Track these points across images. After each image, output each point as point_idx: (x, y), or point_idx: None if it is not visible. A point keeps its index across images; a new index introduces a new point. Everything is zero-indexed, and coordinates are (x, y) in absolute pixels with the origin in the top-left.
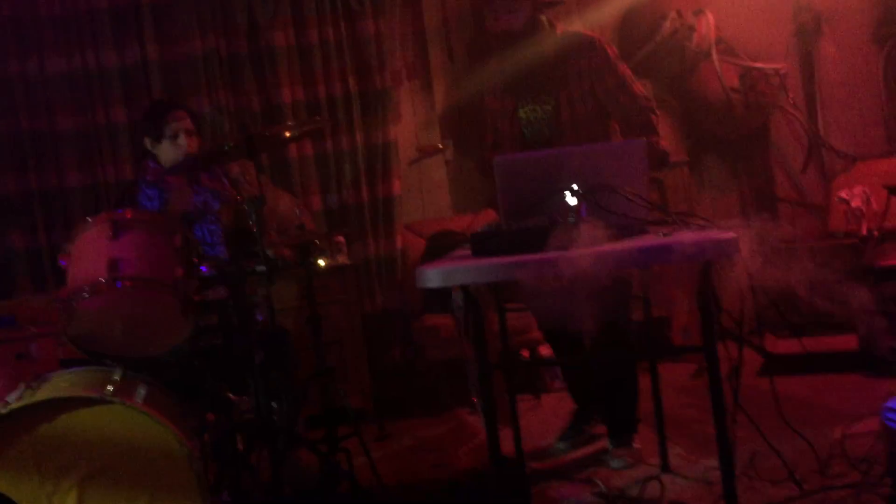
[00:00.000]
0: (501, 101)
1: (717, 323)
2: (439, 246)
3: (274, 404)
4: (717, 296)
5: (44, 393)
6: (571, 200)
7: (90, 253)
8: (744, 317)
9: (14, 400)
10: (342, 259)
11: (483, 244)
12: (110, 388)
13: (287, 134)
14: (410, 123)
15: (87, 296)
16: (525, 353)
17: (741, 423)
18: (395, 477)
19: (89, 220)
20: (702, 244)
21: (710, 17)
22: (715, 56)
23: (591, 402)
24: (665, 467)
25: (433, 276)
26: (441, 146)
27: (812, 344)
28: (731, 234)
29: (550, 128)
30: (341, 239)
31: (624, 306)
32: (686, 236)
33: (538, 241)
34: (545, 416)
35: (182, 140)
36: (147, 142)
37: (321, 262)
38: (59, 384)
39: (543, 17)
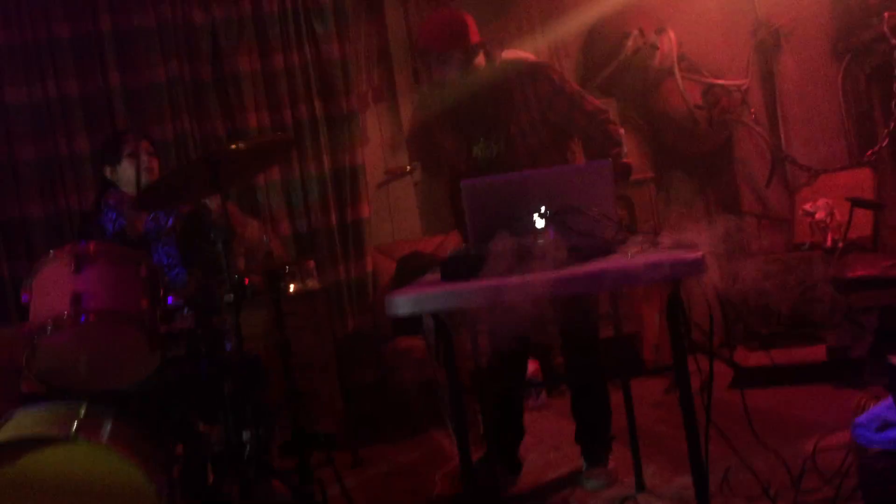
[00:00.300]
0: (455, 140)
1: (688, 339)
2: (409, 267)
3: (246, 434)
4: (686, 315)
5: (7, 433)
6: (539, 223)
7: (53, 287)
8: (713, 331)
9: None
10: (312, 283)
11: (452, 269)
12: (75, 425)
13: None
14: (378, 146)
15: (50, 331)
16: None
17: (714, 438)
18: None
19: (51, 252)
20: (669, 265)
21: (672, 34)
22: (678, 73)
23: (504, 448)
24: (640, 486)
25: (403, 304)
26: (409, 168)
27: (781, 356)
28: (697, 253)
29: (507, 162)
30: (311, 263)
31: (591, 323)
32: (653, 257)
33: (504, 265)
34: None
35: (144, 158)
36: (107, 170)
37: (291, 287)
38: (23, 422)
39: (480, 53)
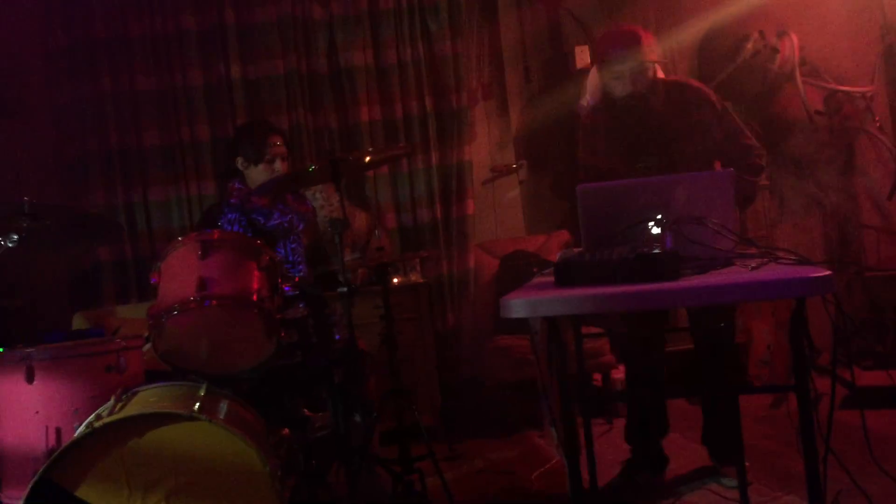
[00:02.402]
0: (607, 160)
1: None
2: (513, 266)
3: (354, 420)
4: (810, 334)
5: (134, 408)
6: (655, 230)
7: (180, 272)
8: (835, 354)
9: (106, 414)
10: (416, 277)
11: (568, 273)
12: (197, 404)
13: (367, 159)
14: (485, 143)
15: (176, 313)
16: (597, 377)
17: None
18: (465, 498)
19: (180, 238)
20: (798, 282)
21: (794, 38)
22: (798, 78)
23: (649, 446)
24: (745, 502)
25: (518, 307)
26: (515, 166)
27: None
28: (825, 272)
29: None
30: (417, 257)
31: (728, 328)
32: (778, 272)
33: (627, 273)
34: (617, 441)
35: (278, 165)
36: (239, 161)
37: (395, 280)
38: (148, 399)
39: (654, 71)
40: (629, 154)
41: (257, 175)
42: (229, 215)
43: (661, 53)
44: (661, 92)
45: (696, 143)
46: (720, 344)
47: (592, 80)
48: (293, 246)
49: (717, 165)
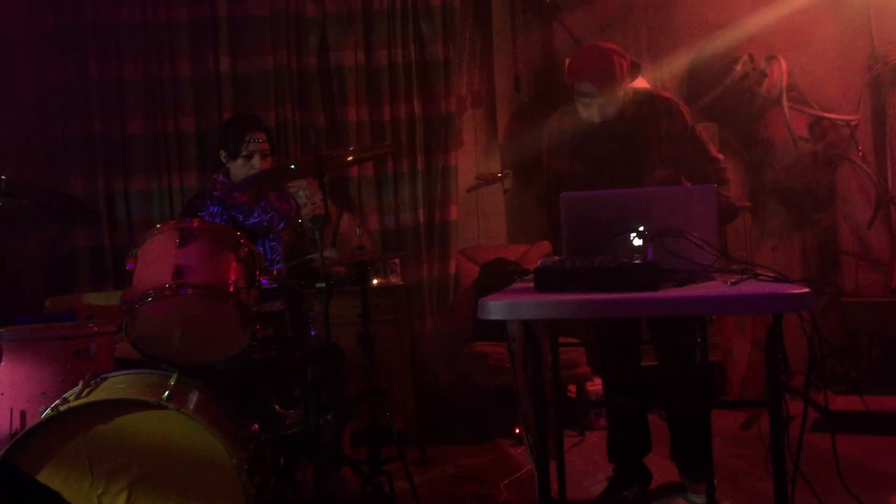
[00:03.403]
0: (570, 165)
1: (785, 374)
2: (493, 273)
3: (326, 418)
4: (785, 350)
5: (102, 393)
6: (637, 242)
7: (157, 259)
8: (811, 372)
9: (73, 398)
10: (395, 279)
11: (547, 279)
12: (166, 393)
13: (350, 158)
14: (472, 150)
15: (151, 300)
16: (571, 388)
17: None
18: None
19: (158, 226)
20: (776, 297)
21: (783, 63)
22: (785, 103)
23: (632, 462)
24: None
25: (496, 309)
26: (501, 175)
27: (873, 402)
28: (805, 289)
29: None
30: (396, 260)
31: (690, 346)
32: (756, 287)
33: (607, 281)
34: (589, 453)
35: (256, 161)
36: (222, 154)
37: (374, 281)
38: (117, 385)
39: (624, 90)
40: (594, 162)
41: (237, 170)
42: (211, 208)
43: (633, 71)
44: (631, 106)
45: (664, 153)
46: (683, 360)
47: None
48: (272, 244)
49: (684, 182)
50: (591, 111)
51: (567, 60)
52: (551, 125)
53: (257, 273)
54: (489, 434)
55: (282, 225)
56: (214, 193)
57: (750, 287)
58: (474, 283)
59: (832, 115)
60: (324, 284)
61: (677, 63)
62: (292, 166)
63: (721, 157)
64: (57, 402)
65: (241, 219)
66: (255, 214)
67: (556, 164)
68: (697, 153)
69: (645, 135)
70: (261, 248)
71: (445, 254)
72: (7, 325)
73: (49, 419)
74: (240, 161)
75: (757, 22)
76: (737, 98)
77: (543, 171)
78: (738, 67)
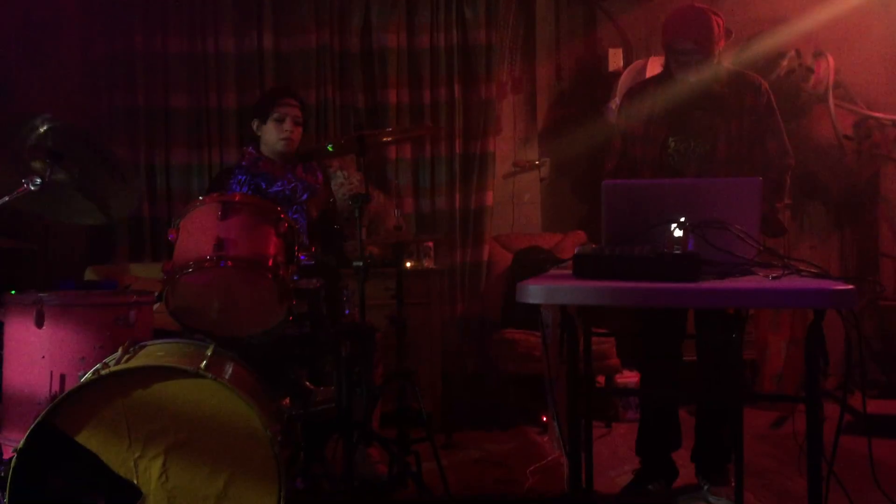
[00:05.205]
0: (647, 128)
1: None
2: (526, 261)
3: (357, 396)
4: (826, 348)
5: (141, 360)
6: (678, 232)
7: (198, 230)
8: (848, 373)
9: (113, 363)
10: (428, 263)
11: (586, 265)
12: (204, 362)
13: (390, 139)
14: (510, 137)
15: (191, 271)
16: (600, 380)
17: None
18: (459, 486)
19: (201, 198)
20: (820, 293)
21: (831, 60)
22: (831, 100)
23: (660, 457)
24: None
25: (535, 293)
26: (538, 163)
27: None
28: (849, 286)
29: (703, 162)
30: (430, 243)
31: (736, 342)
32: (800, 282)
33: (647, 270)
34: (615, 445)
35: (287, 125)
36: (255, 124)
37: (407, 264)
38: (156, 353)
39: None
40: (671, 127)
41: (268, 135)
42: (239, 176)
43: (727, 33)
44: (722, 75)
45: (745, 127)
46: (725, 357)
47: (624, 82)
48: (295, 216)
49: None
50: (687, 70)
51: (663, 20)
52: (633, 86)
53: (296, 248)
54: (514, 421)
55: (305, 196)
56: (243, 163)
57: (792, 282)
58: (507, 270)
59: (879, 115)
60: (361, 263)
61: (724, 57)
62: (329, 146)
63: (791, 152)
64: (97, 365)
65: (263, 186)
66: (279, 184)
67: (632, 127)
68: (773, 135)
69: (729, 104)
70: None
71: (479, 240)
72: (49, 290)
73: (90, 382)
74: (270, 124)
75: (805, 18)
76: (782, 93)
77: (614, 133)
78: (785, 63)
